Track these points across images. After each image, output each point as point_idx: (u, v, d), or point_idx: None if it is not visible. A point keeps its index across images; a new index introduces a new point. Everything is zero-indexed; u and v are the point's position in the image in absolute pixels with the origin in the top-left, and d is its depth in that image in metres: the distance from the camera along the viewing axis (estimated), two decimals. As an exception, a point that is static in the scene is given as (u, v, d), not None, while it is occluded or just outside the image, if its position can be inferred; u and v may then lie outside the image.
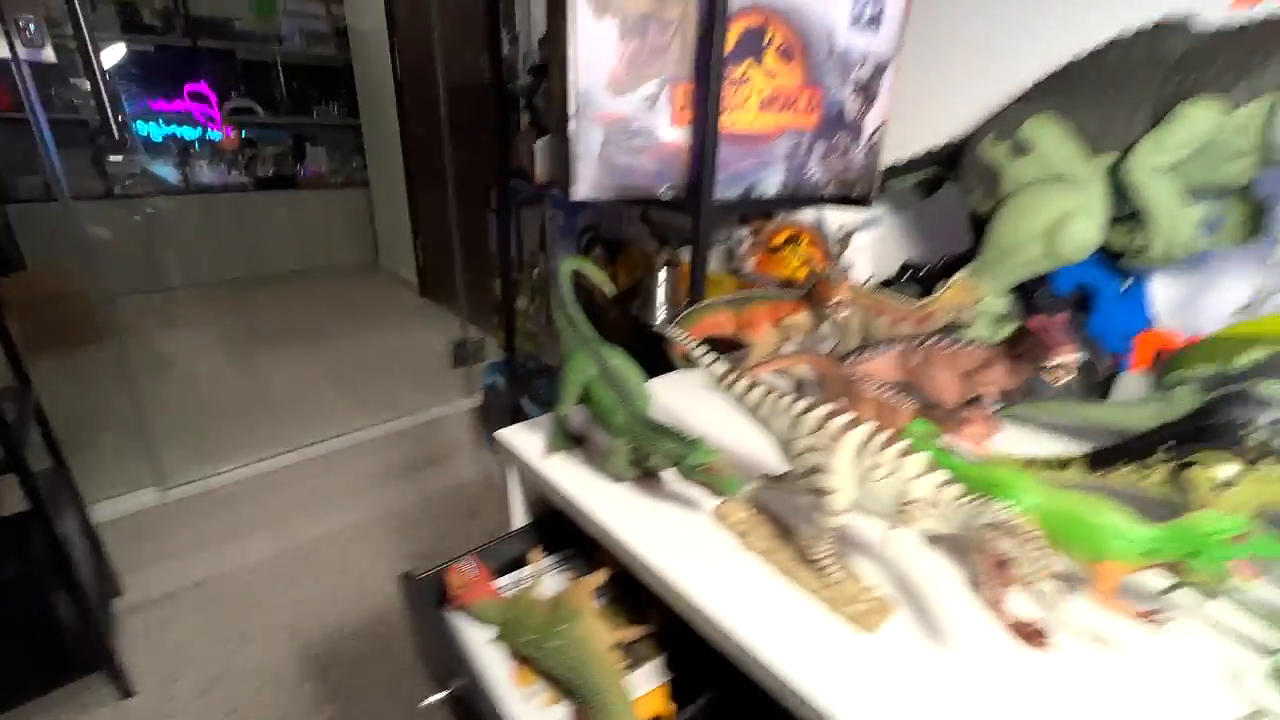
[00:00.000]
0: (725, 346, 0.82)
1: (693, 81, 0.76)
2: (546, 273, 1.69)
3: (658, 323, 0.94)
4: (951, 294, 0.68)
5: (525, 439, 0.66)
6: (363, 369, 2.43)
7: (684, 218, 1.14)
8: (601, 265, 1.38)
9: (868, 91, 0.84)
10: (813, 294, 0.69)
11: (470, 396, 2.17)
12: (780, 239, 1.01)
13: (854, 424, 0.43)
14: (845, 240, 0.97)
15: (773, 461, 0.61)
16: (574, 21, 0.69)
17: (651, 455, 0.52)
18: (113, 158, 3.17)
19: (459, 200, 2.30)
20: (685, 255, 1.17)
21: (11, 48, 1.24)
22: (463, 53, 2.23)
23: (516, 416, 1.50)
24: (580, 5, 0.69)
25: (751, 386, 0.51)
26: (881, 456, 0.41)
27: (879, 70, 0.83)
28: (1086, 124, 0.68)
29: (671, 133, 0.78)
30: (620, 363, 0.55)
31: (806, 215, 0.97)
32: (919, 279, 0.91)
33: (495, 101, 1.14)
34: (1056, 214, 0.66)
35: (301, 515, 1.78)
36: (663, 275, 0.93)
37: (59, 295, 2.51)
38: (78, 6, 1.12)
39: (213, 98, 3.43)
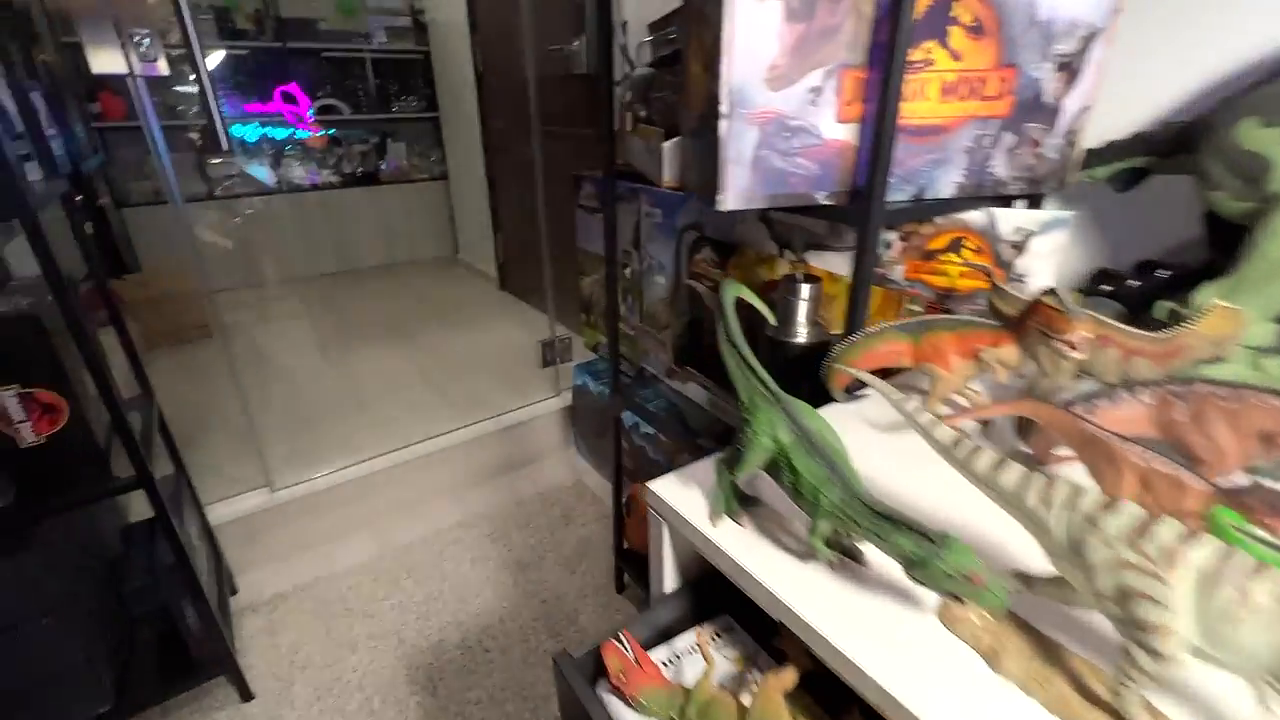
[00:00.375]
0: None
1: (866, 69, 0.64)
2: (640, 272, 1.61)
3: (798, 343, 0.83)
4: (1211, 323, 0.55)
5: (681, 495, 0.58)
6: (450, 367, 2.44)
7: (811, 219, 1.03)
8: (710, 269, 1.28)
9: (1071, 68, 0.69)
10: (1028, 324, 0.57)
11: (558, 396, 2.13)
12: (939, 243, 0.87)
13: (1192, 536, 0.32)
14: (1023, 245, 0.83)
15: (980, 523, 0.50)
16: (732, 3, 0.59)
17: (856, 535, 0.43)
18: (212, 160, 3.32)
19: (545, 191, 2.25)
20: (813, 260, 1.06)
21: (128, 63, 1.25)
22: (545, 43, 2.16)
23: (618, 427, 1.43)
24: None
25: (1002, 463, 0.40)
26: (1250, 592, 0.30)
27: (1088, 42, 0.68)
28: None
29: (836, 130, 0.66)
30: (819, 425, 0.46)
31: (973, 215, 0.83)
32: (1121, 294, 0.76)
33: (606, 94, 1.05)
34: (1374, 223, 0.51)
35: (399, 517, 1.79)
36: (805, 290, 0.82)
37: (172, 295, 2.65)
38: (191, 29, 1.11)
39: (302, 98, 3.53)
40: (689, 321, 1.43)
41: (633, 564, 1.48)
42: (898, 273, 0.92)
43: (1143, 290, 0.73)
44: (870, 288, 0.70)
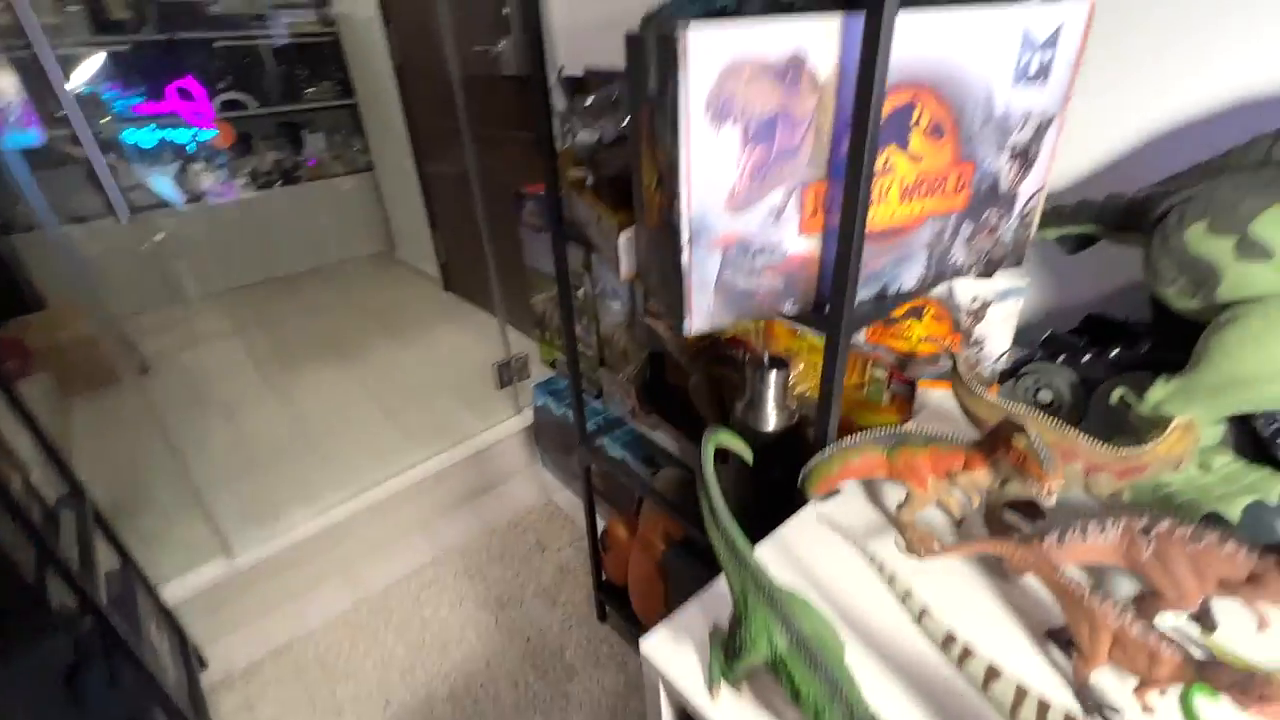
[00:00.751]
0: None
1: (826, 180, 0.62)
2: (594, 295, 1.57)
3: (769, 431, 0.83)
4: (1170, 443, 0.57)
5: (675, 653, 0.57)
6: (403, 388, 2.35)
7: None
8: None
9: (1026, 156, 0.68)
10: (999, 453, 0.58)
11: (519, 414, 2.09)
12: (900, 310, 0.88)
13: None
14: (980, 313, 0.84)
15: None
16: (687, 136, 0.55)
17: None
18: (108, 171, 3.01)
19: (484, 202, 2.14)
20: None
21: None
22: (468, 42, 2.01)
23: (589, 477, 1.41)
24: (696, 117, 0.55)
25: (994, 674, 0.41)
26: None
27: (1041, 129, 0.68)
28: (1346, 219, 0.54)
29: (799, 243, 0.64)
30: (818, 628, 0.45)
31: (932, 284, 0.83)
32: (1073, 364, 0.78)
33: (546, 152, 0.98)
34: (1320, 353, 0.53)
35: (369, 563, 1.75)
36: (773, 377, 0.81)
37: (85, 334, 2.43)
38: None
39: (199, 93, 3.21)
40: (650, 355, 1.41)
41: (613, 595, 1.50)
42: (860, 336, 0.92)
43: (1094, 364, 0.75)
44: (841, 395, 0.70)
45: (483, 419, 2.07)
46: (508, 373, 2.01)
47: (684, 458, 1.25)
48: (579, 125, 0.92)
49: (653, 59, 0.58)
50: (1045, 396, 0.80)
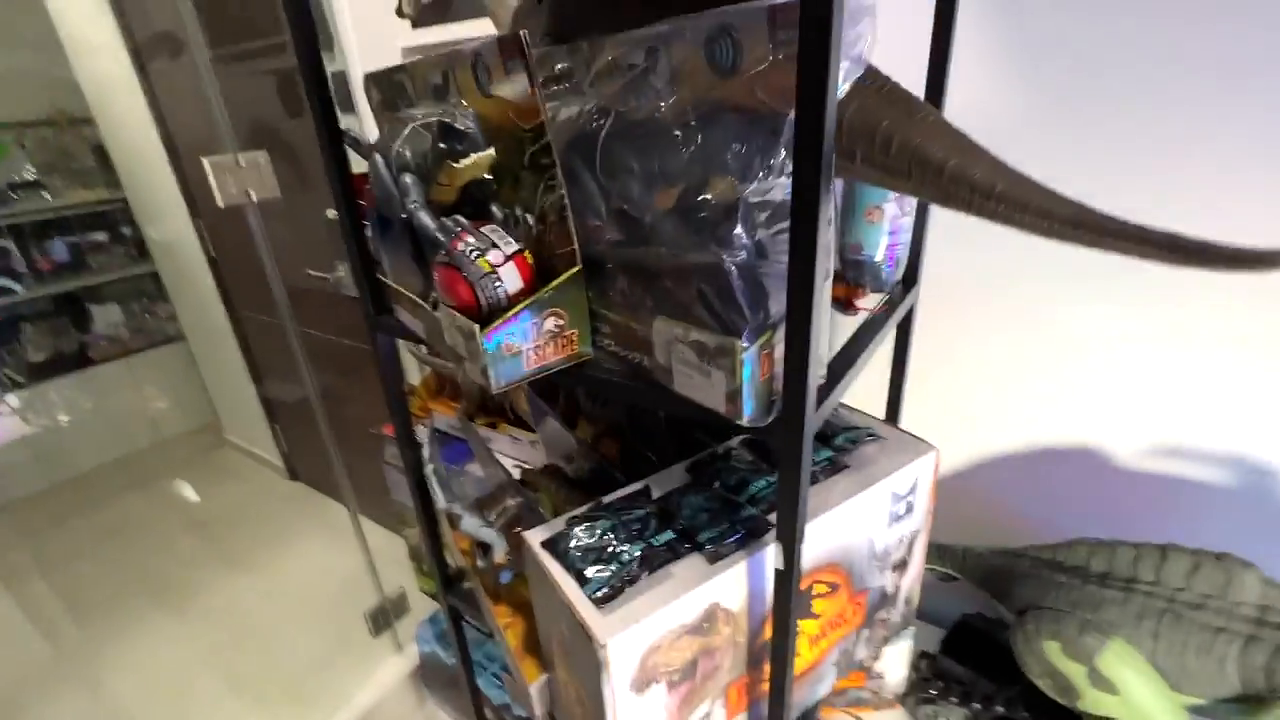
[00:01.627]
0: None
1: (745, 673, 0.62)
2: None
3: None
4: None
5: None
6: (251, 642, 2.01)
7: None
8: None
9: (904, 564, 0.75)
10: None
11: (401, 653, 1.87)
12: (806, 656, 0.91)
13: None
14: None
15: None
16: (614, 709, 0.53)
17: None
18: None
19: (331, 423, 1.95)
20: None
21: None
22: (298, 257, 1.86)
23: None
24: (619, 692, 0.52)
25: None
26: None
27: (912, 542, 0.75)
28: (1162, 659, 0.65)
29: (728, 728, 0.64)
30: None
31: (832, 633, 0.88)
32: (968, 701, 0.85)
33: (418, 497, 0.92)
34: (1174, 798, 0.62)
35: None
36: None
37: None
38: None
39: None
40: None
41: None
42: (773, 675, 0.94)
43: (982, 713, 0.83)
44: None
45: (358, 666, 1.83)
46: (384, 617, 1.81)
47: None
48: (462, 510, 0.87)
49: (565, 622, 0.55)
50: (945, 725, 0.87)
